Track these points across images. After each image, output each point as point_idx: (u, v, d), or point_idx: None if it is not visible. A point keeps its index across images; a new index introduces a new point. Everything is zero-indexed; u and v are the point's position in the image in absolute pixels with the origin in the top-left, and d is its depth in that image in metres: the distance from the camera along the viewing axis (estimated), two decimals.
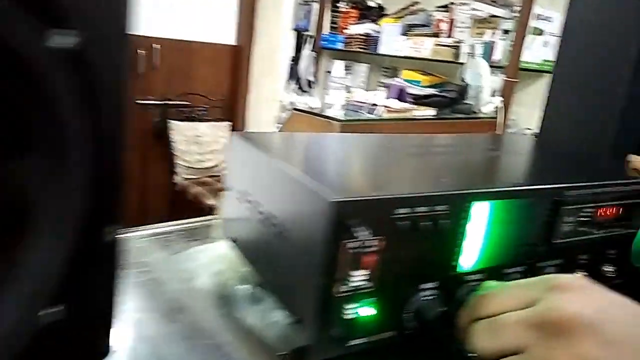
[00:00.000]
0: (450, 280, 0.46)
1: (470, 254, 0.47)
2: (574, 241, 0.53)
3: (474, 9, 2.75)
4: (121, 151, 0.32)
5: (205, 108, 3.32)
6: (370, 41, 3.13)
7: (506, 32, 2.66)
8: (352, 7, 3.37)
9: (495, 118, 2.63)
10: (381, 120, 2.01)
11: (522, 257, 0.51)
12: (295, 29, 3.24)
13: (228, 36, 3.40)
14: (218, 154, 3.21)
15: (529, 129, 2.52)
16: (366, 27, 3.16)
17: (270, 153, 0.50)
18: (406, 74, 2.86)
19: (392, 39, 2.99)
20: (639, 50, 0.73)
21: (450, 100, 2.57)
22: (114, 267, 0.34)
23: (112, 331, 0.36)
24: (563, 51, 0.85)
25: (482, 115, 2.63)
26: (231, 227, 0.61)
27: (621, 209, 0.55)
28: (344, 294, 0.40)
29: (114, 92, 0.31)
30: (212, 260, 0.63)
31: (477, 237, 0.47)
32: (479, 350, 0.38)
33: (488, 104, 2.64)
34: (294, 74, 3.25)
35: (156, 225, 0.71)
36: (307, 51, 3.19)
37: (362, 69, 3.36)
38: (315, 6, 3.33)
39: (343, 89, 2.11)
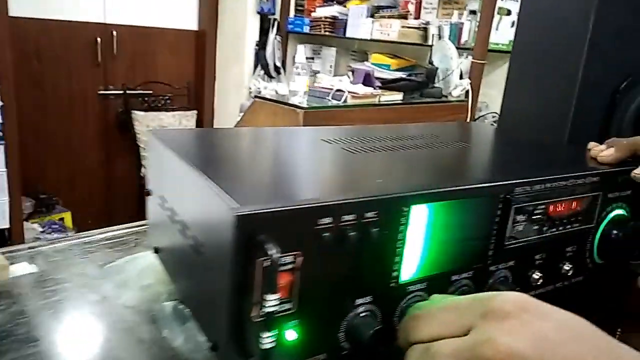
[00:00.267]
0: (390, 293, 0.41)
1: (412, 263, 0.42)
2: (527, 241, 0.48)
3: None
4: None
5: (169, 97, 3.21)
6: (338, 24, 3.05)
7: (473, 12, 2.61)
8: None
9: (465, 101, 2.60)
10: (346, 107, 1.95)
11: (471, 261, 0.46)
12: (260, 12, 3.13)
13: (190, 21, 3.28)
14: None
15: (497, 113, 2.49)
16: (333, 10, 3.07)
17: (182, 154, 0.44)
18: (375, 57, 2.80)
19: (359, 22, 2.91)
20: (595, 34, 0.69)
21: (419, 84, 2.52)
22: None
23: None
24: (519, 37, 0.81)
25: (451, 99, 2.59)
26: (154, 235, 0.55)
27: (578, 204, 0.51)
28: (261, 318, 0.34)
29: None
30: (141, 272, 0.57)
31: (419, 244, 0.42)
32: None
33: (457, 87, 2.60)
34: (260, 60, 3.16)
35: (84, 233, 0.64)
36: (272, 36, 3.09)
37: (330, 53, 3.29)
38: None
39: (307, 74, 2.04)
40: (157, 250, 0.53)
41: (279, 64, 3.15)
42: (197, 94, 3.39)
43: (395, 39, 2.75)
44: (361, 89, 2.06)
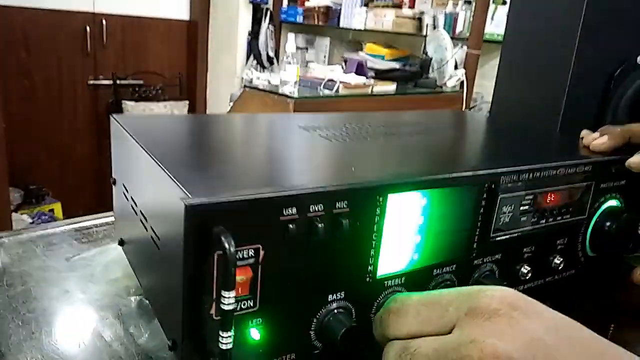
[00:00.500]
0: (366, 289, 0.38)
1: (390, 256, 0.39)
2: (515, 233, 0.46)
3: None
4: None
5: (160, 87, 3.17)
6: (331, 14, 3.00)
7: (468, 2, 2.57)
8: None
9: (459, 92, 2.56)
10: (338, 97, 1.91)
11: (454, 255, 0.43)
12: (252, 2, 3.08)
13: (181, 11, 3.23)
14: None
15: None
16: None
17: (141, 140, 0.40)
18: (370, 47, 2.76)
19: (353, 11, 2.87)
20: (589, 17, 0.66)
21: (413, 75, 2.49)
22: None
23: None
24: (511, 22, 0.78)
25: (446, 90, 2.56)
26: (119, 227, 0.52)
27: (569, 194, 0.48)
28: (220, 317, 0.31)
29: None
30: (108, 265, 0.54)
31: (396, 236, 0.39)
32: None
33: (452, 78, 2.57)
34: (253, 50, 3.11)
35: (51, 224, 0.61)
36: (265, 25, 3.04)
37: (324, 43, 3.24)
38: None
39: (298, 64, 2.00)
40: (122, 243, 0.50)
41: (271, 54, 3.11)
42: (188, 84, 3.35)
43: (390, 29, 2.71)
44: (353, 79, 2.03)
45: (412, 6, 2.77)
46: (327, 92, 1.93)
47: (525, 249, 0.48)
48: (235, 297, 0.32)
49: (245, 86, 2.02)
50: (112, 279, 0.51)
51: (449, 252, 0.42)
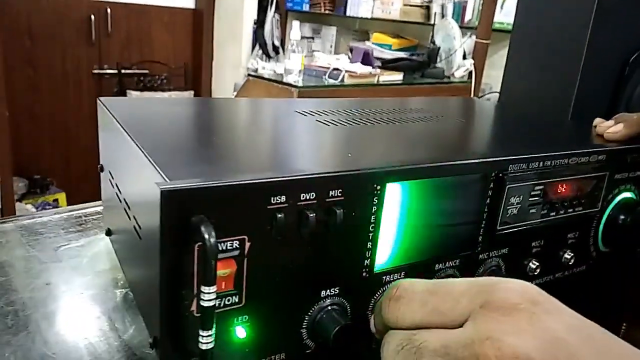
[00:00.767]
0: (362, 284, 0.36)
1: (388, 249, 0.36)
2: (523, 226, 0.43)
3: None
4: None
5: (165, 76, 3.14)
6: (338, 2, 2.95)
7: None
8: None
9: (468, 82, 2.52)
10: (343, 87, 1.88)
11: (457, 248, 0.40)
12: None
13: None
14: None
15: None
16: None
17: (125, 123, 0.38)
18: (377, 37, 2.71)
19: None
20: (602, 2, 0.62)
21: (420, 64, 2.44)
22: None
23: None
24: (521, 7, 0.74)
25: (454, 80, 2.52)
26: (107, 216, 0.49)
27: (581, 185, 0.45)
28: (202, 314, 0.28)
29: None
30: (96, 256, 0.52)
31: (395, 228, 0.36)
32: None
33: (460, 68, 2.53)
34: (259, 39, 3.07)
35: (38, 212, 0.59)
36: (271, 14, 3.00)
37: (330, 32, 3.20)
38: None
39: (304, 53, 1.97)
40: (109, 233, 0.48)
41: (277, 43, 3.07)
42: (194, 74, 3.32)
43: (397, 17, 2.67)
44: (359, 68, 1.99)
45: None
46: (332, 81, 1.90)
47: (533, 243, 0.45)
48: (219, 292, 0.29)
49: (249, 75, 1.99)
50: (100, 271, 0.49)
51: (452, 246, 0.40)
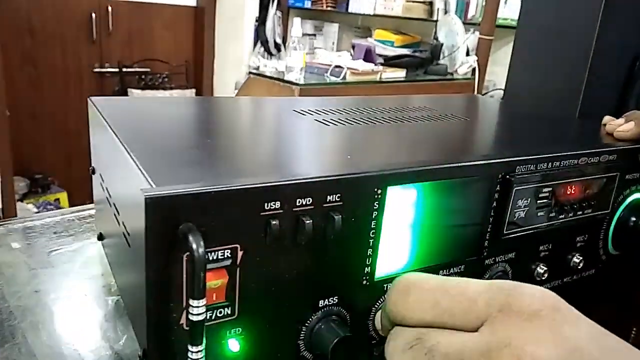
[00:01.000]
0: (362, 293, 0.34)
1: (390, 256, 0.35)
2: (531, 229, 0.41)
3: None
4: None
5: (166, 75, 3.13)
6: None
7: None
8: None
9: (471, 79, 2.49)
10: (345, 84, 1.86)
11: (462, 253, 0.38)
12: None
13: None
14: None
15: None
16: None
17: (115, 124, 0.36)
18: (379, 33, 2.69)
19: None
20: None
21: (423, 61, 2.42)
22: None
23: None
24: (527, 1, 0.72)
25: (457, 77, 2.49)
26: (99, 220, 0.48)
27: (591, 186, 0.43)
28: (191, 328, 0.27)
29: None
30: (89, 261, 0.50)
31: (397, 233, 0.35)
32: None
33: (463, 65, 2.50)
34: (260, 36, 3.05)
35: (29, 217, 0.57)
36: (272, 11, 2.98)
37: (333, 29, 3.17)
38: None
39: (305, 50, 1.95)
40: (100, 237, 0.46)
41: (279, 40, 3.05)
42: (195, 72, 3.30)
43: (400, 13, 2.64)
44: (361, 65, 1.97)
45: None
46: (334, 79, 1.88)
47: (541, 247, 0.43)
48: (210, 304, 0.28)
49: (250, 73, 1.97)
50: (91, 277, 0.47)
51: (457, 251, 0.38)
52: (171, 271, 0.26)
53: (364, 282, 0.34)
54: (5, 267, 0.46)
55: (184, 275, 0.26)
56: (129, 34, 3.01)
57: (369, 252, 0.33)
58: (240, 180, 0.27)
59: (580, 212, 0.44)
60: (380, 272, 0.34)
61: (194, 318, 0.25)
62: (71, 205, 2.83)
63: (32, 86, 2.74)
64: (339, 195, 0.30)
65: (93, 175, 0.47)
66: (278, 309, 0.31)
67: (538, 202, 0.40)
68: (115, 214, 0.37)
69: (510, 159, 0.37)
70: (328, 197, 0.30)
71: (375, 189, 0.32)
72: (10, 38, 2.50)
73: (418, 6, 2.59)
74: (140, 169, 0.28)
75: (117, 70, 2.99)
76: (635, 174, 0.47)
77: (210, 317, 0.28)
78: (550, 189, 0.40)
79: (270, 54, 3.06)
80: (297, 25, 1.85)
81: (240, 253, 0.28)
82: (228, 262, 0.28)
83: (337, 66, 1.89)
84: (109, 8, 2.87)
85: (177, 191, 0.25)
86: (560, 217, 0.42)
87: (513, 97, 0.74)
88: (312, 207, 0.29)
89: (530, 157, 0.38)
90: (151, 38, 3.09)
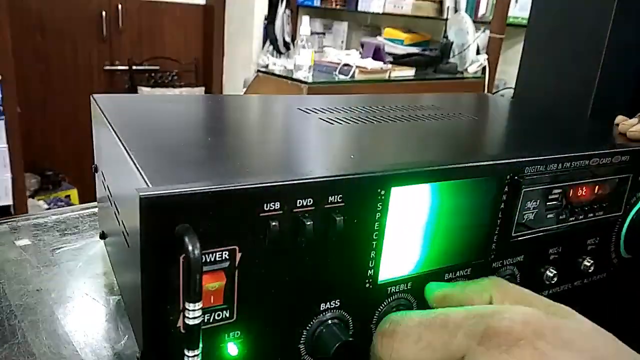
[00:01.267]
0: (365, 296, 0.33)
1: (394, 258, 0.34)
2: (540, 232, 0.40)
3: None
4: None
5: (176, 72, 3.14)
6: None
7: None
8: None
9: (481, 78, 2.47)
10: (354, 82, 1.85)
11: (469, 256, 0.38)
12: None
13: None
14: None
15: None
16: None
17: (115, 121, 0.36)
18: (388, 32, 2.67)
19: None
20: None
21: (432, 60, 2.40)
22: None
23: None
24: (537, 1, 0.71)
25: (467, 76, 2.47)
26: (101, 219, 0.47)
27: (602, 187, 0.42)
28: (187, 332, 0.26)
29: None
30: (93, 260, 0.50)
31: (402, 235, 0.34)
32: None
33: (474, 63, 2.48)
34: (269, 35, 3.05)
35: (34, 214, 0.57)
36: (282, 10, 2.98)
37: (342, 28, 3.16)
38: None
39: (314, 49, 1.94)
40: (103, 236, 0.46)
41: (288, 39, 3.05)
42: (204, 70, 3.31)
43: (409, 12, 2.63)
44: (370, 64, 1.96)
45: None
46: (342, 77, 1.87)
47: (551, 250, 0.42)
48: (208, 307, 0.27)
49: (258, 71, 1.96)
50: (94, 276, 0.47)
51: (463, 254, 0.37)
52: (168, 273, 0.26)
53: (367, 285, 0.33)
54: (8, 265, 0.46)
55: (181, 277, 0.26)
56: (139, 32, 3.02)
57: (372, 254, 0.32)
58: (239, 180, 0.27)
59: (591, 215, 0.43)
60: (384, 275, 0.33)
61: (190, 322, 0.25)
62: (81, 202, 2.84)
63: (43, 84, 2.76)
64: (340, 196, 0.29)
65: (96, 174, 0.47)
66: (278, 312, 0.30)
67: (548, 203, 0.39)
68: (115, 213, 0.36)
69: (519, 160, 0.36)
70: (329, 197, 0.29)
71: (379, 190, 0.31)
72: (21, 36, 2.52)
73: (428, 4, 2.57)
74: (137, 167, 0.27)
75: (127, 68, 3.01)
76: None
77: (208, 320, 0.28)
78: (560, 190, 0.39)
79: (279, 52, 3.06)
80: (305, 24, 1.84)
81: (238, 255, 0.27)
82: (226, 264, 0.27)
83: (345, 64, 1.88)
84: (119, 6, 2.88)
85: (173, 191, 0.25)
86: (571, 219, 0.41)
87: (523, 96, 0.72)
88: (312, 208, 0.28)
89: (540, 158, 0.37)
90: (161, 36, 3.10)
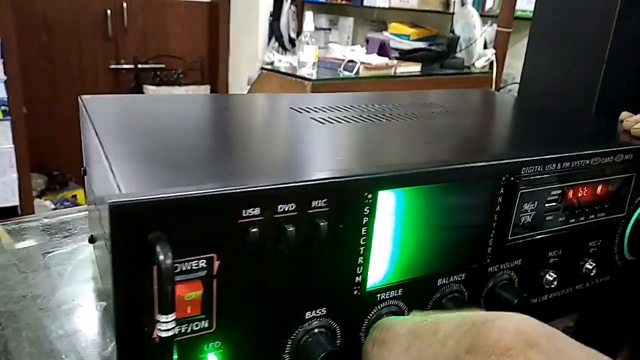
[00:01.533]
0: (353, 303, 0.32)
1: (383, 264, 0.33)
2: (538, 235, 0.38)
3: None
4: None
5: (181, 71, 3.13)
6: None
7: None
8: None
9: (489, 73, 2.44)
10: (358, 79, 1.83)
11: (463, 260, 0.36)
12: None
13: None
14: None
15: None
16: None
17: (99, 124, 0.35)
18: (394, 27, 2.65)
19: None
20: None
21: (439, 55, 2.37)
22: None
23: None
24: None
25: (474, 70, 2.44)
26: (90, 222, 0.46)
27: (604, 188, 0.40)
28: (160, 345, 0.25)
29: None
30: (84, 263, 0.49)
31: (391, 240, 0.32)
32: None
33: (481, 58, 2.45)
34: (275, 31, 3.03)
35: (27, 217, 0.57)
36: (287, 6, 2.96)
37: (348, 23, 3.14)
38: None
39: (320, 45, 1.92)
40: (92, 240, 0.45)
41: (293, 35, 3.03)
42: (210, 68, 3.30)
43: (415, 6, 2.60)
44: (375, 60, 1.94)
45: None
46: (347, 73, 1.85)
47: (550, 253, 0.41)
48: (185, 317, 0.26)
49: (262, 68, 1.95)
50: (83, 280, 0.46)
51: (457, 259, 0.36)
52: (141, 283, 0.25)
53: (355, 292, 0.32)
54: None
55: (155, 287, 0.25)
56: (144, 30, 3.02)
57: (360, 260, 0.31)
58: (217, 185, 0.25)
59: (592, 216, 0.41)
60: (373, 281, 0.32)
61: (163, 334, 0.24)
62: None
63: (49, 83, 2.77)
64: (325, 200, 0.28)
65: (85, 176, 0.46)
66: (260, 321, 0.29)
67: (546, 205, 0.38)
68: (99, 217, 0.35)
69: (515, 160, 0.35)
70: (313, 202, 0.28)
71: (366, 194, 0.30)
72: (27, 36, 2.53)
73: None
74: (111, 171, 0.26)
75: (132, 66, 3.01)
76: None
77: (186, 330, 0.27)
78: (559, 191, 0.38)
79: (285, 49, 3.04)
80: (309, 20, 1.82)
81: (216, 263, 0.26)
82: (203, 273, 0.26)
83: (350, 61, 1.86)
84: (124, 5, 2.88)
85: (144, 197, 0.23)
86: (571, 221, 0.40)
87: (528, 92, 0.70)
88: (295, 213, 0.27)
89: (537, 158, 0.36)
90: (166, 34, 3.10)
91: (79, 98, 0.44)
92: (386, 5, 2.73)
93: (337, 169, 0.30)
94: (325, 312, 0.31)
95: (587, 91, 0.60)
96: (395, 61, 2.04)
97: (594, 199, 0.40)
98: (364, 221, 0.30)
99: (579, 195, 0.39)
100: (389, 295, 0.33)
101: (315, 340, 0.30)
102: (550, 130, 0.50)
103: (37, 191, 2.62)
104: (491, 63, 2.43)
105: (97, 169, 0.34)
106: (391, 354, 0.26)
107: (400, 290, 0.34)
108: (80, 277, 0.46)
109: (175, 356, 0.25)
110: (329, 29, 3.19)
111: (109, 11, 2.86)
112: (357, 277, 0.31)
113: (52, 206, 2.59)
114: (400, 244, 0.33)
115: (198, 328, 0.27)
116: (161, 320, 0.24)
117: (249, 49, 3.16)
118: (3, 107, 2.14)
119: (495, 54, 2.36)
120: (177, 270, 0.25)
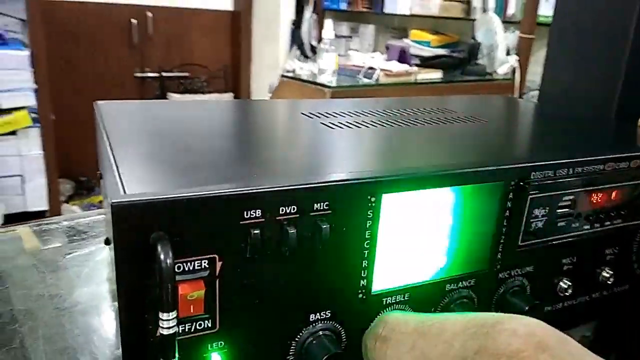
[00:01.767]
0: (358, 307, 0.32)
1: (389, 268, 0.33)
2: (551, 241, 0.38)
3: None
4: None
5: (205, 79, 3.18)
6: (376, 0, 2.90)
7: None
8: None
9: (511, 80, 2.41)
10: (378, 86, 1.83)
11: (473, 266, 0.36)
12: None
13: (224, 1, 3.22)
14: None
15: None
16: None
17: (110, 128, 0.36)
18: (415, 34, 2.64)
19: None
20: None
21: (460, 61, 2.35)
22: None
23: None
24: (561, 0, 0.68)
25: (496, 77, 2.41)
26: (106, 224, 0.47)
27: (619, 193, 0.40)
28: (162, 343, 0.25)
29: None
30: (103, 264, 0.50)
31: (397, 243, 0.32)
32: None
33: (503, 65, 2.42)
34: (296, 39, 3.06)
35: (46, 219, 0.58)
36: (308, 14, 2.98)
37: (369, 30, 3.14)
38: None
39: (340, 52, 1.93)
40: (107, 242, 0.46)
41: (315, 43, 3.04)
42: (233, 76, 3.35)
43: (437, 13, 2.59)
44: (395, 67, 1.93)
45: None
46: (366, 80, 1.85)
47: (564, 260, 0.40)
48: (188, 316, 0.27)
49: (282, 75, 1.97)
50: (99, 281, 0.47)
51: (465, 264, 0.35)
52: (145, 282, 0.25)
53: (361, 295, 0.32)
54: (15, 269, 0.47)
55: (157, 287, 0.25)
56: (168, 39, 3.08)
57: (364, 264, 0.31)
58: (219, 186, 0.26)
59: (608, 223, 0.40)
60: (378, 285, 0.32)
61: (164, 332, 0.24)
62: None
63: (76, 91, 2.84)
64: (327, 203, 0.28)
65: (101, 181, 0.47)
66: (264, 323, 0.29)
67: (558, 211, 0.37)
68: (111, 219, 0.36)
69: (524, 165, 0.34)
70: (315, 205, 0.28)
71: (369, 197, 0.30)
72: (55, 45, 2.61)
73: (455, 5, 2.53)
74: (116, 171, 0.27)
75: (157, 75, 3.07)
76: None
77: (189, 329, 0.27)
78: (572, 197, 0.37)
79: (306, 56, 3.06)
80: (329, 27, 1.83)
81: (219, 264, 0.26)
82: (206, 273, 0.26)
83: (369, 68, 1.86)
84: (149, 14, 2.95)
85: (147, 198, 0.24)
86: (585, 227, 0.39)
87: (548, 98, 0.70)
88: (297, 215, 0.27)
89: (547, 163, 0.35)
90: (190, 43, 3.16)
91: (93, 104, 0.45)
92: (407, 12, 2.72)
93: (339, 172, 0.30)
94: (329, 314, 0.31)
95: (607, 95, 0.59)
96: (415, 68, 2.03)
97: (610, 206, 0.39)
98: (368, 224, 0.30)
99: (593, 201, 0.38)
100: (395, 300, 0.33)
101: (319, 343, 0.30)
102: (565, 135, 0.49)
103: (65, 196, 2.68)
104: (514, 70, 2.40)
105: (108, 172, 0.35)
106: (394, 353, 0.26)
107: (406, 295, 0.33)
108: (96, 279, 0.47)
109: (176, 355, 0.25)
110: (350, 37, 3.20)
111: (134, 21, 2.93)
112: (362, 281, 0.31)
113: (80, 211, 2.65)
114: (407, 248, 0.33)
115: (201, 327, 0.27)
116: (162, 318, 0.24)
117: (270, 57, 3.19)
118: (33, 115, 2.21)
119: (518, 60, 2.33)
120: (180, 270, 0.25)
